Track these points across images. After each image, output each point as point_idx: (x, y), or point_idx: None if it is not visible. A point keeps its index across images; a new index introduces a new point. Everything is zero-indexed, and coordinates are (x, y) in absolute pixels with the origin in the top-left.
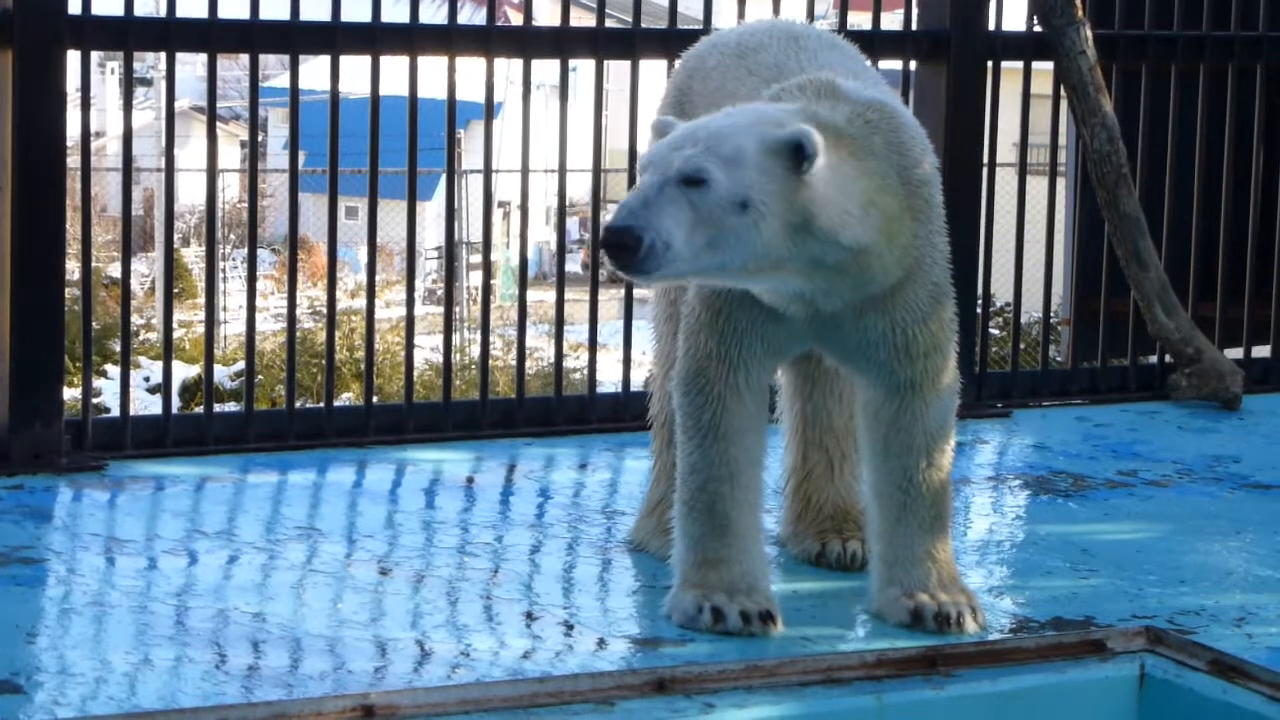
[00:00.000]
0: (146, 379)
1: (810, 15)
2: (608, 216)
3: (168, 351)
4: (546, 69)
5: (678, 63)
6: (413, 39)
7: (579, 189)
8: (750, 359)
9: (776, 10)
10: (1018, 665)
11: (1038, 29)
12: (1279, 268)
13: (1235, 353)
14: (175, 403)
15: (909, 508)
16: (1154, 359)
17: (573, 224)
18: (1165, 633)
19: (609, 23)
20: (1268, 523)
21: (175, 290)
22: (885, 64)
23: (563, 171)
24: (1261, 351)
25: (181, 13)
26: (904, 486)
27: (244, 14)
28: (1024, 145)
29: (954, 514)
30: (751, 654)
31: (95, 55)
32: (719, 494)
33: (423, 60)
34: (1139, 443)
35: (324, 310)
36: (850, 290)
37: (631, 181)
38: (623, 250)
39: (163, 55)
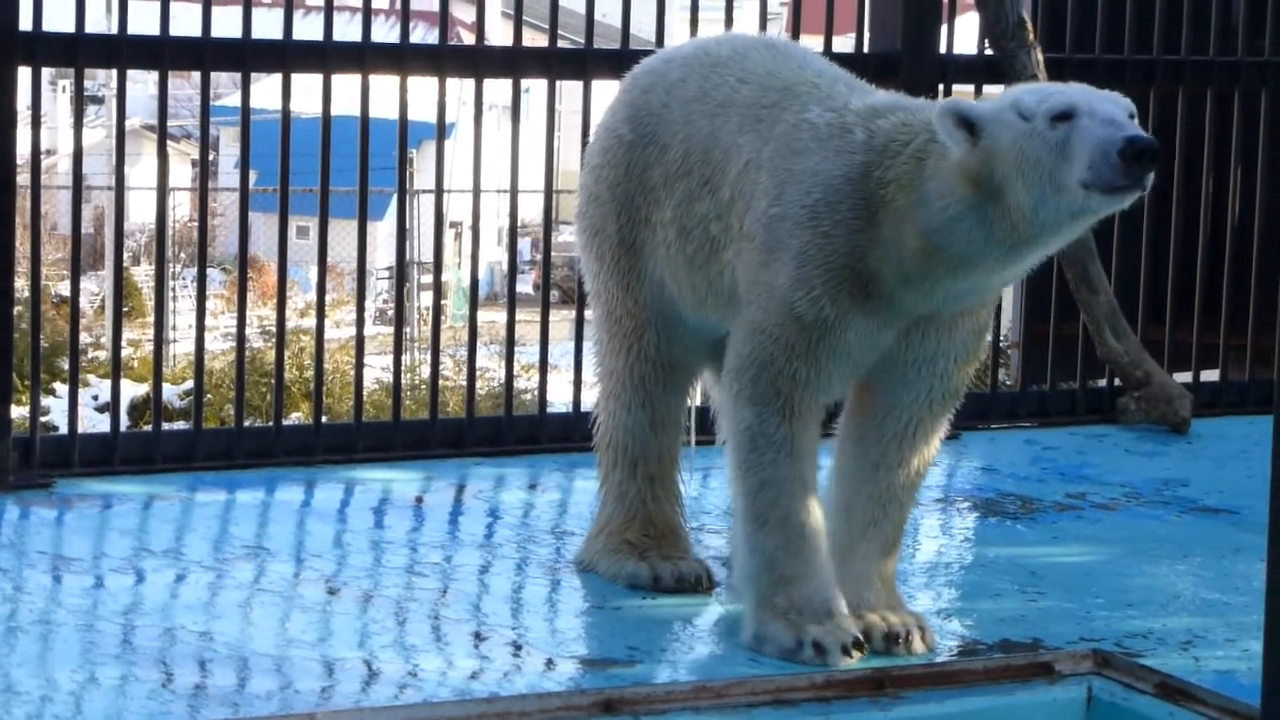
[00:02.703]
0: (95, 397)
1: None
2: (560, 237)
3: (116, 370)
4: (499, 89)
5: (625, 84)
6: (364, 58)
7: (531, 210)
8: (838, 383)
9: (729, 30)
10: (965, 687)
11: (989, 51)
12: (1228, 292)
13: (1184, 376)
14: (124, 421)
15: (877, 525)
16: (1103, 382)
17: (524, 245)
18: (1112, 655)
19: (561, 43)
20: (1215, 546)
21: (125, 309)
22: None
23: (515, 192)
24: (1210, 375)
25: (133, 30)
26: (882, 502)
27: (196, 32)
28: None
29: (903, 536)
30: (700, 675)
31: (46, 72)
32: (793, 509)
33: (375, 79)
34: (1087, 466)
35: (274, 329)
36: (992, 292)
37: None
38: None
39: (114, 73)
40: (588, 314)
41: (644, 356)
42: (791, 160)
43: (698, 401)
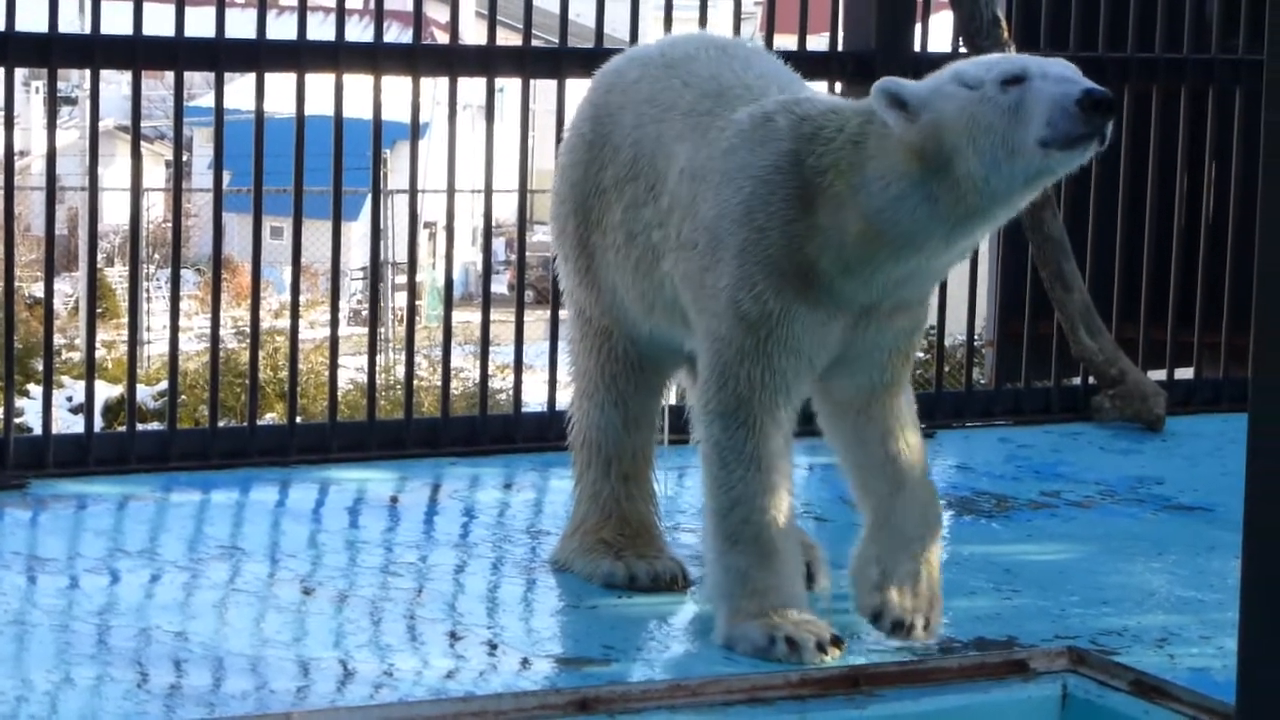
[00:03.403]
0: (69, 398)
1: (736, 35)
2: (534, 237)
3: (90, 371)
4: (473, 89)
5: (593, 82)
6: (338, 57)
7: (505, 210)
8: (795, 382)
9: (702, 30)
10: (941, 685)
11: (963, 50)
12: (1202, 289)
13: (1158, 374)
14: (98, 422)
15: (898, 496)
16: (1077, 380)
17: (498, 244)
18: (1087, 653)
19: (535, 43)
20: (1190, 544)
21: (99, 310)
22: (811, 84)
23: (489, 192)
24: (1185, 373)
25: (106, 30)
26: (893, 477)
27: (169, 32)
28: None
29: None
30: (676, 673)
31: (19, 73)
32: (764, 524)
33: (349, 79)
34: (1062, 464)
35: (248, 330)
36: (931, 280)
37: None
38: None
39: (87, 73)
40: (562, 313)
41: (615, 356)
42: (722, 161)
43: (671, 400)
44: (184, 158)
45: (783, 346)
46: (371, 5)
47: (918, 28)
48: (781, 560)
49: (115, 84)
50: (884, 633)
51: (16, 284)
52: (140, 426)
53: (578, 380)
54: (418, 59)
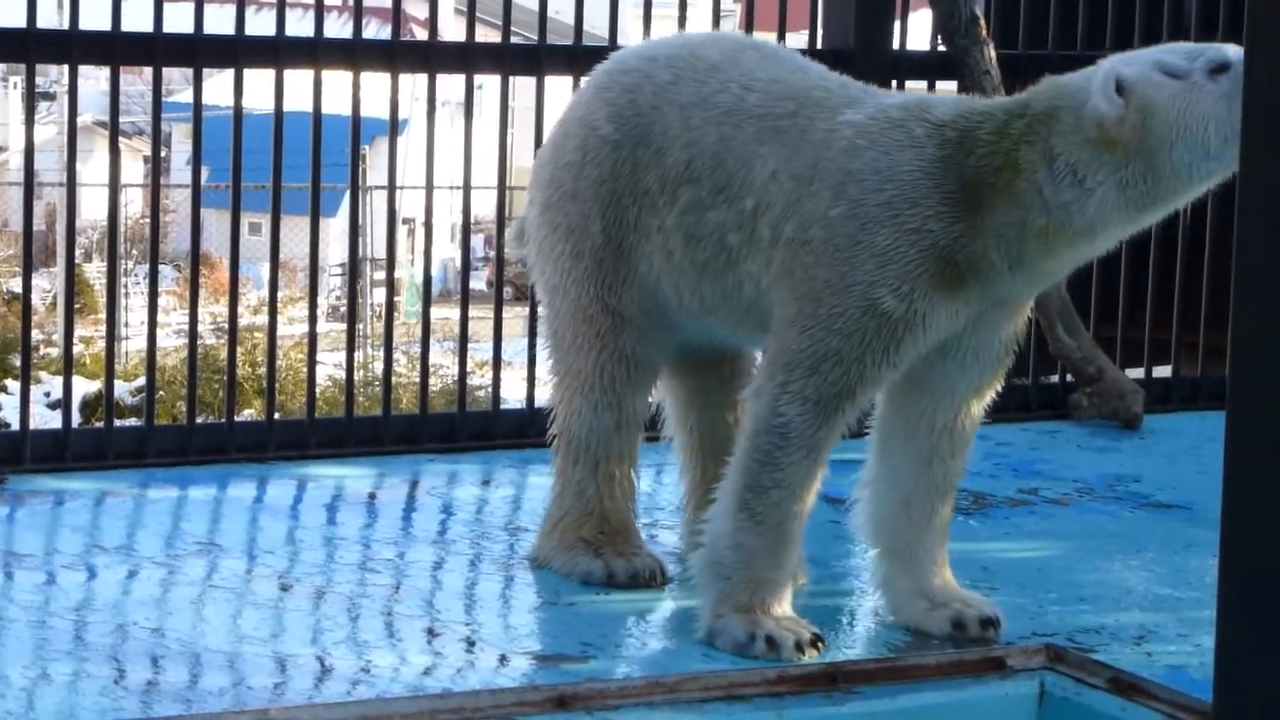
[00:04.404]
0: (47, 394)
1: (715, 29)
2: (512, 234)
3: (68, 366)
4: (452, 85)
5: (601, 80)
6: (317, 53)
7: (484, 206)
8: (892, 377)
9: (682, 28)
10: (918, 682)
11: (941, 48)
12: (1180, 288)
13: (1136, 372)
14: (75, 418)
15: (937, 514)
16: (1055, 378)
17: (477, 241)
18: (1065, 650)
19: (514, 39)
20: (1167, 542)
21: (77, 305)
22: None
23: (467, 188)
24: (1162, 371)
25: (84, 25)
26: (942, 491)
27: (147, 27)
28: None
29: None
30: (653, 670)
31: None
32: (792, 513)
33: (327, 75)
34: (1040, 461)
35: (226, 326)
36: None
37: None
38: None
39: (65, 68)
40: (541, 311)
41: (617, 356)
42: (844, 161)
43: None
44: (162, 154)
45: (913, 342)
46: (350, 2)
47: (896, 25)
48: (788, 555)
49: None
50: (975, 634)
51: None
52: (118, 422)
53: (566, 378)
54: (396, 55)
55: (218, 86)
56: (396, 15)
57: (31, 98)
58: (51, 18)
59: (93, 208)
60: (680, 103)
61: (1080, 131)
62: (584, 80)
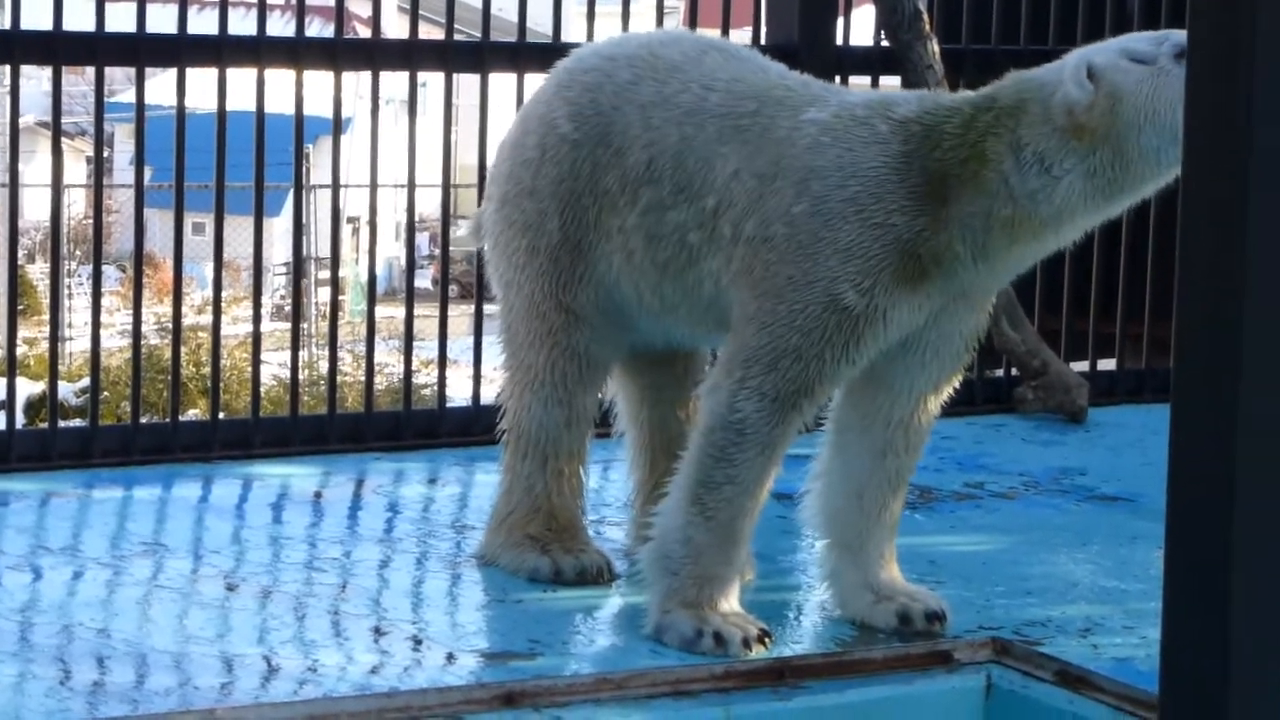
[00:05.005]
0: None
1: (659, 26)
2: (457, 232)
3: (12, 368)
4: (395, 83)
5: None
6: (260, 52)
7: (428, 204)
8: (851, 374)
9: (625, 26)
10: (865, 676)
11: (885, 43)
12: (1124, 281)
13: (1081, 366)
14: (19, 419)
15: (888, 508)
16: (1000, 372)
17: (422, 239)
18: (1011, 643)
19: (457, 37)
20: (1113, 534)
21: (20, 307)
22: None
23: (412, 187)
24: (1107, 364)
25: (26, 25)
26: (894, 486)
27: (89, 27)
28: None
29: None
30: (601, 667)
31: None
32: (744, 509)
33: (270, 74)
34: (985, 455)
35: (170, 326)
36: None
37: (481, 197)
38: None
39: (6, 69)
40: (489, 308)
41: (568, 353)
42: (807, 159)
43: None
44: (105, 154)
45: (875, 337)
46: (293, 1)
47: (840, 21)
48: (737, 552)
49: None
50: (921, 628)
51: None
52: (62, 423)
53: (517, 373)
54: (339, 53)
55: (160, 86)
56: (339, 13)
57: None
58: None
59: (35, 208)
60: (641, 103)
61: (1049, 121)
62: (528, 77)
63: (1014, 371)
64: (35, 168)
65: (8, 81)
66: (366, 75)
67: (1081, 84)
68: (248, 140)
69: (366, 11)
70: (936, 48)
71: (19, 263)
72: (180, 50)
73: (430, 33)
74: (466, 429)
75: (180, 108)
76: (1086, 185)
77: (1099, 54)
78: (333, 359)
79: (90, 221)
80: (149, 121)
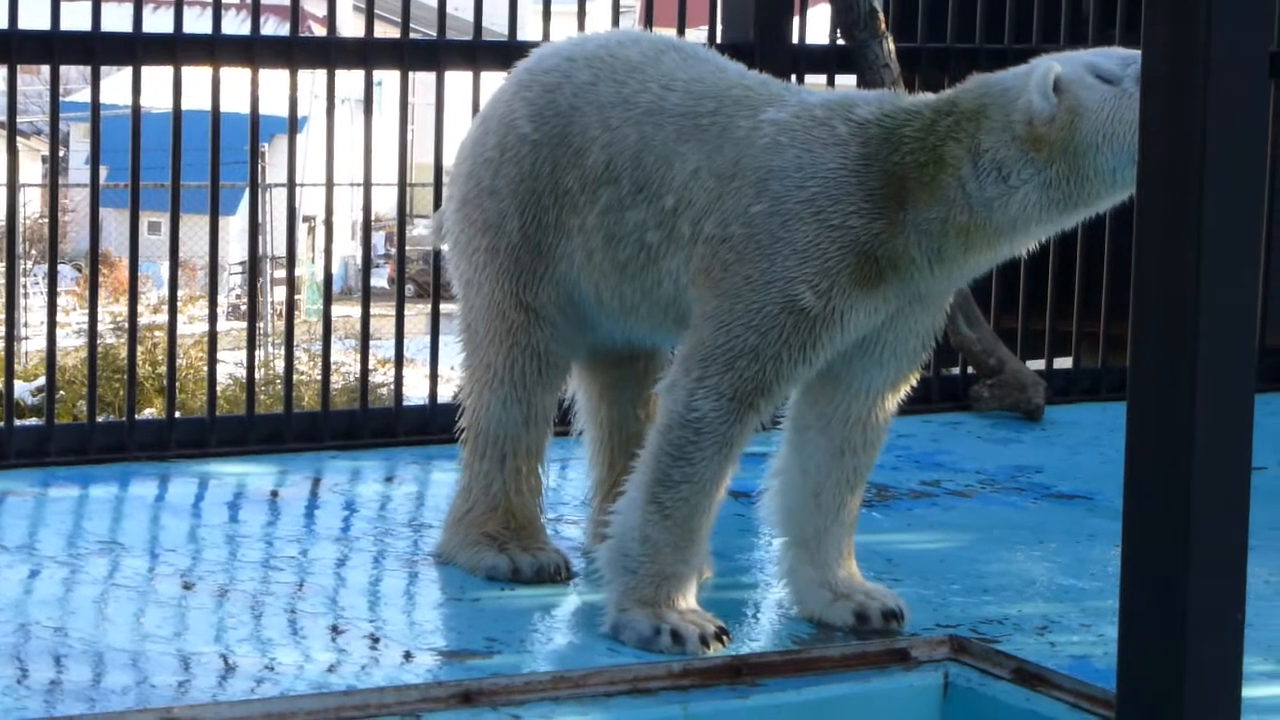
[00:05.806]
0: None
1: (615, 26)
2: (414, 230)
3: None
4: (351, 82)
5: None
6: (215, 50)
7: (384, 203)
8: (808, 374)
9: (581, 25)
10: (823, 674)
11: (841, 42)
12: (1080, 279)
13: (1037, 364)
14: None
15: (846, 507)
16: (956, 370)
17: (378, 239)
18: (969, 641)
19: (413, 35)
20: (1070, 532)
21: None
22: None
23: (368, 186)
24: (1064, 363)
25: None
26: (852, 484)
27: (44, 25)
28: None
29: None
30: (559, 665)
31: None
32: (701, 508)
33: (225, 73)
34: (942, 453)
35: (126, 325)
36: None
37: (438, 196)
38: None
39: None
40: (445, 307)
41: (528, 352)
42: (765, 159)
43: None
44: (60, 153)
45: (830, 339)
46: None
47: (796, 19)
48: (695, 550)
49: None
50: (878, 626)
51: None
52: (18, 422)
53: (476, 371)
54: (295, 52)
55: (115, 86)
56: (295, 12)
57: None
58: None
59: None
60: (600, 103)
61: (1008, 129)
62: (484, 76)
63: (970, 370)
64: None
65: None
66: (322, 74)
67: (1047, 94)
68: (203, 139)
69: (322, 10)
70: (892, 46)
71: None
72: (135, 49)
73: (386, 31)
74: (423, 428)
75: (135, 106)
76: (1042, 197)
77: (1066, 65)
78: (289, 358)
79: (46, 221)
80: (104, 120)
